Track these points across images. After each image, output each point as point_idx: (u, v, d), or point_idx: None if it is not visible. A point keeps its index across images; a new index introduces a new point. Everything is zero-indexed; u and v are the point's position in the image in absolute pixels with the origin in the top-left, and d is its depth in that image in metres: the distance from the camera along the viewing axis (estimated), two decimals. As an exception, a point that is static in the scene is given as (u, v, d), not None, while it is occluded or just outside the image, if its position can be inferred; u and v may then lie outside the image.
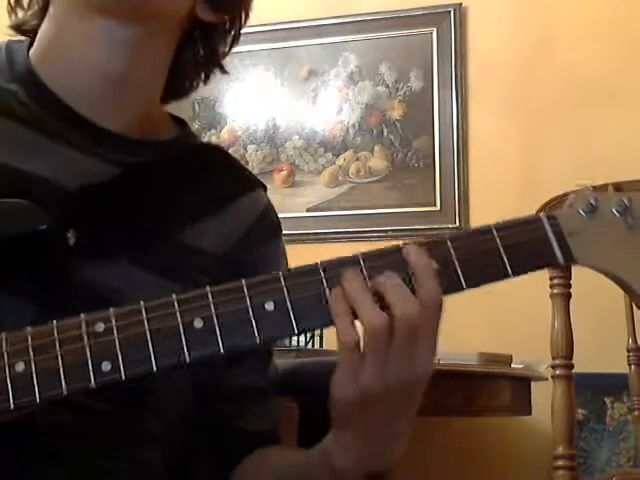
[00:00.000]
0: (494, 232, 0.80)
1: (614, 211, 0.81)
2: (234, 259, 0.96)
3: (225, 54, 1.03)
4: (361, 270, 0.77)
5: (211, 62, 1.02)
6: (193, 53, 1.00)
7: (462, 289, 0.79)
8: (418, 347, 0.76)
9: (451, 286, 0.78)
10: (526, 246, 0.80)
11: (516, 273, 0.80)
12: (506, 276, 0.79)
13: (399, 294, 0.76)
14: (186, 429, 0.98)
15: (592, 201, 0.81)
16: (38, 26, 0.96)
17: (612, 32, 2.78)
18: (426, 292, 0.76)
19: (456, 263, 0.79)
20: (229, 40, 1.02)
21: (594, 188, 0.82)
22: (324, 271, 0.78)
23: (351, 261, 0.78)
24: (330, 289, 0.77)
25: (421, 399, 0.81)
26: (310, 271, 0.78)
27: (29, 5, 0.98)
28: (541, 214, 0.81)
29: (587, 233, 0.80)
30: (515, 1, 2.92)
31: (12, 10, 0.99)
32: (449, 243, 0.79)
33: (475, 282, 0.79)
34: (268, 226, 1.03)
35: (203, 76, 1.03)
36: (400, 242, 0.81)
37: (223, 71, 1.04)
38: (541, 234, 0.80)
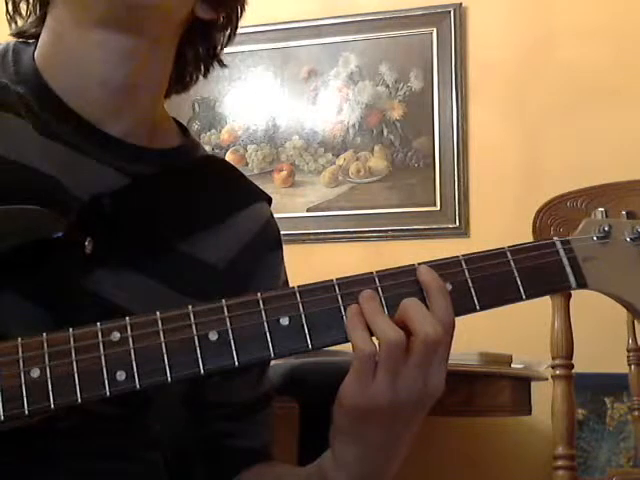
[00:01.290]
0: (508, 255, 0.81)
1: (627, 238, 0.82)
2: (234, 272, 0.97)
3: (223, 47, 1.03)
4: (376, 289, 0.78)
5: (210, 56, 1.02)
6: (193, 50, 1.00)
7: (475, 310, 0.80)
8: (433, 366, 0.78)
9: (465, 307, 0.80)
10: (540, 270, 0.81)
11: (529, 296, 0.81)
12: (519, 299, 0.81)
13: (421, 314, 0.77)
14: (188, 433, 0.98)
15: (605, 227, 0.82)
16: (40, 31, 0.96)
17: (612, 31, 2.78)
18: (442, 313, 0.77)
19: (470, 285, 0.80)
20: (227, 33, 1.02)
21: (607, 214, 0.84)
22: (339, 288, 0.79)
23: (366, 279, 0.79)
24: (345, 306, 0.78)
25: (421, 419, 0.82)
26: (325, 287, 0.79)
27: (27, 14, 0.98)
28: (555, 239, 0.82)
29: (600, 259, 0.82)
30: (515, 1, 2.92)
31: (11, 19, 0.99)
32: (463, 265, 0.80)
33: (488, 304, 0.80)
34: (268, 239, 1.03)
35: (203, 70, 1.03)
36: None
37: (222, 64, 1.04)
38: (555, 259, 0.82)
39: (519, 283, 0.80)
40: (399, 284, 0.79)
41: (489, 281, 0.80)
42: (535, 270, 0.81)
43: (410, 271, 0.80)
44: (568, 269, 0.81)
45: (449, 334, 0.78)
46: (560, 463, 1.88)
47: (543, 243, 0.82)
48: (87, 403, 0.76)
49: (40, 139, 0.90)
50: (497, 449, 2.70)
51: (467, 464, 2.69)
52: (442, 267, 0.80)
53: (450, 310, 0.78)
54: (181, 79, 1.02)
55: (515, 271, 0.81)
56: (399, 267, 0.80)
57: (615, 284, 0.82)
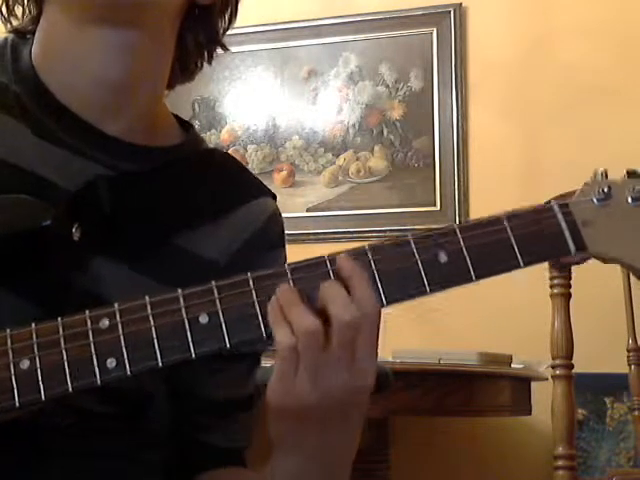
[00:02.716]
0: (505, 222, 0.78)
1: (628, 199, 0.79)
2: (235, 268, 0.95)
3: (225, 31, 1.00)
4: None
5: (212, 41, 0.99)
6: (194, 37, 0.97)
7: (472, 280, 0.77)
8: (355, 356, 0.75)
9: (460, 277, 0.77)
10: (537, 236, 0.78)
11: (527, 263, 0.78)
12: (517, 267, 0.78)
13: (335, 298, 0.75)
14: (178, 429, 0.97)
15: (605, 189, 0.79)
16: (36, 28, 0.95)
17: (612, 31, 2.78)
18: (361, 298, 0.75)
19: (465, 254, 0.77)
20: (227, 16, 0.99)
21: (607, 174, 0.80)
22: (330, 263, 0.77)
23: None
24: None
25: (361, 421, 0.80)
26: (316, 264, 0.77)
27: (22, 14, 0.97)
28: (552, 202, 0.79)
29: (600, 222, 0.78)
30: (515, 1, 2.92)
31: (6, 20, 0.98)
32: (458, 233, 0.78)
33: (485, 273, 0.77)
34: (271, 236, 1.00)
35: (206, 56, 1.00)
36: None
37: (224, 48, 1.01)
38: (553, 223, 0.78)
39: (516, 250, 0.77)
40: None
41: (485, 249, 0.77)
42: (532, 236, 0.78)
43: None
44: (567, 233, 0.78)
45: (370, 321, 0.75)
46: (560, 463, 1.88)
47: (541, 208, 0.79)
48: (84, 401, 0.75)
49: (37, 141, 0.89)
50: (497, 449, 2.70)
51: (467, 464, 2.69)
52: (437, 237, 0.78)
53: (371, 296, 0.75)
54: (184, 68, 0.99)
55: (512, 238, 0.77)
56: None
57: (616, 248, 0.78)
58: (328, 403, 0.76)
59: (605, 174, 0.80)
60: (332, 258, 0.77)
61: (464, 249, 0.77)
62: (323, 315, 0.75)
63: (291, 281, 0.76)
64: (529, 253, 0.78)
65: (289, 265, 0.77)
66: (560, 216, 0.78)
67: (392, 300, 0.77)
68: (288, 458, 0.80)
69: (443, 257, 0.77)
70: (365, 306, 0.75)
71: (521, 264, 0.78)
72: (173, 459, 0.96)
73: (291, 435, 0.79)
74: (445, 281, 0.77)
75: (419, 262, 0.77)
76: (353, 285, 0.75)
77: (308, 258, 0.78)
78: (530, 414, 2.42)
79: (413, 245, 0.77)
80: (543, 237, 0.78)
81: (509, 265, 0.78)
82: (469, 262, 0.77)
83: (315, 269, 0.77)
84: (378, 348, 0.77)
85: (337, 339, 0.74)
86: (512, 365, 2.31)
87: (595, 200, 0.79)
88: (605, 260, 0.79)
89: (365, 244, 0.78)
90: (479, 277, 0.77)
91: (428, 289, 0.77)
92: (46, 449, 0.83)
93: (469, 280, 0.77)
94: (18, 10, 0.96)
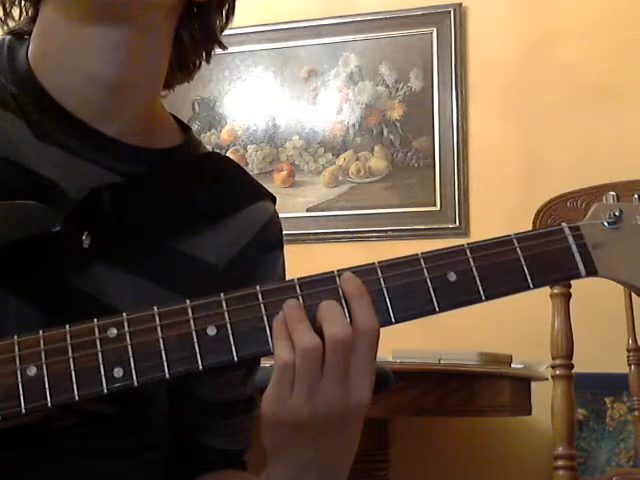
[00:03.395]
0: (515, 242, 0.79)
1: (639, 222, 0.79)
2: (234, 271, 0.95)
3: (222, 29, 0.99)
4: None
5: (210, 39, 0.98)
6: (190, 35, 0.96)
7: (481, 300, 0.78)
8: (350, 375, 0.76)
9: (470, 297, 0.78)
10: (548, 258, 0.79)
11: (537, 285, 0.78)
12: (526, 288, 0.78)
13: (330, 316, 0.75)
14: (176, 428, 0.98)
15: (616, 212, 0.79)
16: (32, 29, 0.95)
17: (612, 31, 2.78)
18: (359, 318, 0.76)
19: (475, 274, 0.77)
20: (224, 14, 0.99)
21: (618, 198, 0.80)
22: (339, 280, 0.78)
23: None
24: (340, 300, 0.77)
25: (358, 434, 0.80)
26: (327, 279, 0.78)
27: (19, 15, 0.96)
28: (563, 225, 0.80)
29: (611, 245, 0.79)
30: (515, 1, 2.92)
31: (3, 22, 0.97)
32: (468, 253, 0.78)
33: (494, 293, 0.78)
34: (269, 239, 1.01)
35: (204, 55, 0.99)
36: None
37: (222, 47, 1.01)
38: (564, 246, 0.79)
39: (526, 271, 0.78)
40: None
41: (495, 270, 0.77)
42: (543, 258, 0.78)
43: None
44: (577, 256, 0.78)
45: (370, 341, 0.76)
46: (560, 463, 1.88)
47: (551, 230, 0.80)
48: (86, 403, 0.75)
49: (35, 141, 0.88)
50: (497, 449, 2.70)
51: (467, 464, 2.69)
52: (446, 256, 0.78)
53: (369, 315, 0.76)
54: (182, 67, 0.99)
55: (522, 259, 0.78)
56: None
57: (627, 271, 0.78)
58: (323, 416, 0.76)
59: (617, 197, 0.81)
60: (341, 274, 0.78)
61: (474, 269, 0.78)
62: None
63: (300, 297, 0.77)
64: (539, 275, 0.78)
65: (298, 279, 0.77)
66: (571, 239, 0.79)
67: (400, 317, 0.77)
68: (282, 468, 0.81)
69: (452, 276, 0.77)
70: (362, 326, 0.76)
71: (531, 286, 0.78)
72: (174, 460, 0.96)
73: (285, 446, 0.79)
74: (454, 300, 0.78)
75: (428, 280, 0.77)
76: (353, 304, 0.76)
77: (318, 273, 0.78)
78: (530, 414, 2.42)
79: (423, 263, 0.78)
80: (553, 259, 0.79)
81: (519, 286, 0.78)
82: (478, 282, 0.77)
83: (324, 284, 0.77)
84: (374, 366, 0.77)
85: (330, 356, 0.75)
86: (512, 365, 2.31)
87: (606, 223, 0.79)
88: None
89: (375, 260, 0.79)
90: (488, 297, 0.78)
91: (437, 307, 0.78)
92: (47, 450, 0.84)
93: (478, 300, 0.78)
94: (15, 11, 0.96)
